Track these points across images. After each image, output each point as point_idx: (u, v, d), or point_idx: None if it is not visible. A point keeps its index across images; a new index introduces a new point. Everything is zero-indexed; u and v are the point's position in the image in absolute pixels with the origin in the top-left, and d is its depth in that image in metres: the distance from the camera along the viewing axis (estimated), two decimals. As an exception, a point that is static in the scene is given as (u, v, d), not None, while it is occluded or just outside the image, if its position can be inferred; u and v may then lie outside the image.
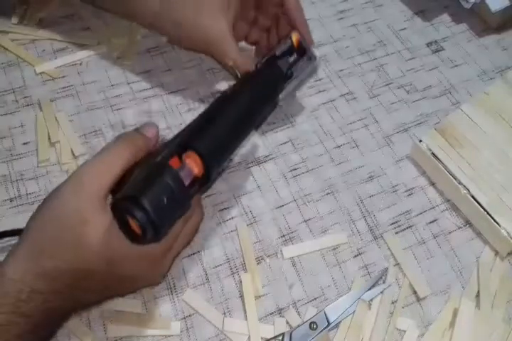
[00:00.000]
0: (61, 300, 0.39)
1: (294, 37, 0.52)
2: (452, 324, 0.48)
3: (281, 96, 0.52)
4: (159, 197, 0.37)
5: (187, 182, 0.39)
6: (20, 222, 0.42)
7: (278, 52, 0.51)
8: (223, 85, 0.62)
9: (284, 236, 0.53)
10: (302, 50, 0.52)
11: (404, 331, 0.48)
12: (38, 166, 0.55)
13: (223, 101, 0.46)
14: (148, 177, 0.38)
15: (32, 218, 0.40)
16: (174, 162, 0.39)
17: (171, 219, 0.39)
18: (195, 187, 0.41)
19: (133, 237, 0.38)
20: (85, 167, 0.40)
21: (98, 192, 0.38)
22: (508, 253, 0.51)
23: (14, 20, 0.65)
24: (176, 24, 0.51)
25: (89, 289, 0.40)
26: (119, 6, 0.56)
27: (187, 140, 0.42)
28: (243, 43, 0.59)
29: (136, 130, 0.43)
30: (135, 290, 0.48)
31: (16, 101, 0.59)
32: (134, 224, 0.37)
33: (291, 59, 0.51)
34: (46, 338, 0.43)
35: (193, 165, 0.40)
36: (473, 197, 0.52)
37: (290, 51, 0.51)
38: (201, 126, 0.43)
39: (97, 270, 0.38)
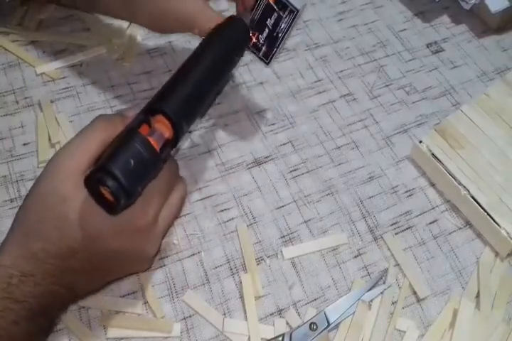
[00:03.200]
0: (52, 284, 0.39)
1: None
2: (452, 324, 0.48)
3: (272, 55, 0.50)
4: (126, 161, 0.37)
5: (158, 146, 0.39)
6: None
7: (256, 16, 0.49)
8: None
9: (284, 236, 0.53)
10: (282, 5, 0.48)
11: (404, 332, 0.48)
12: (38, 167, 0.55)
13: (187, 62, 0.45)
14: (115, 146, 0.38)
15: (20, 206, 0.41)
16: (144, 128, 0.40)
17: (142, 181, 0.39)
18: (167, 150, 0.41)
19: (109, 208, 0.38)
20: (62, 149, 0.41)
21: (75, 170, 0.39)
22: (508, 254, 0.51)
23: (14, 21, 0.65)
24: (150, 13, 0.51)
25: (79, 270, 0.40)
26: (90, 5, 0.57)
27: (153, 104, 0.42)
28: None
29: (118, 112, 0.44)
30: (127, 272, 0.47)
31: (17, 102, 0.59)
32: (106, 193, 0.37)
33: (273, 20, 0.48)
34: (45, 328, 0.43)
35: (162, 127, 0.40)
36: (473, 197, 0.52)
37: (269, 11, 0.48)
38: (166, 89, 0.43)
39: (82, 246, 0.39)
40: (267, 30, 0.49)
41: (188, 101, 0.43)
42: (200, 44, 0.47)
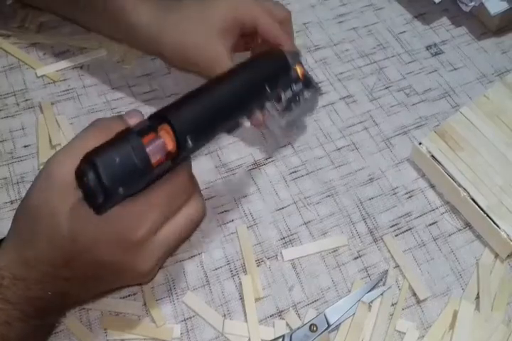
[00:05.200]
0: (43, 290, 0.39)
1: (299, 70, 0.49)
2: (452, 326, 0.48)
3: (283, 123, 0.52)
4: (111, 157, 0.35)
5: (157, 154, 0.37)
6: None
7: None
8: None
9: (284, 238, 0.53)
10: (307, 82, 0.50)
11: (404, 333, 0.48)
12: (38, 169, 0.55)
13: (213, 80, 0.43)
14: (107, 142, 0.37)
15: (16, 211, 0.41)
16: (147, 134, 0.37)
17: (124, 183, 0.36)
18: (166, 163, 0.38)
19: (91, 203, 0.37)
20: (55, 155, 0.39)
21: (65, 181, 0.37)
22: (508, 256, 0.51)
23: (15, 23, 0.65)
24: (174, 46, 0.53)
25: (71, 279, 0.39)
26: (110, 29, 0.58)
27: (161, 110, 0.39)
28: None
29: (119, 116, 0.42)
30: (122, 283, 0.46)
31: (17, 104, 0.60)
32: (88, 186, 0.36)
33: (296, 87, 0.49)
34: (41, 331, 0.43)
35: (165, 137, 0.38)
36: (472, 199, 0.52)
37: (295, 80, 0.50)
38: (181, 100, 0.40)
39: (73, 256, 0.38)
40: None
41: (200, 117, 0.40)
42: (234, 66, 0.45)
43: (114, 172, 0.35)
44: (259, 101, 0.45)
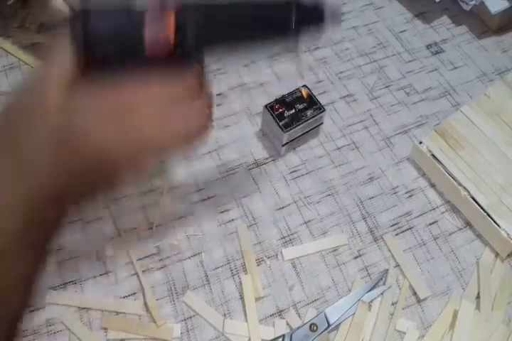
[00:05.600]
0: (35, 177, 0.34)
1: (304, 91, 0.56)
2: (452, 325, 0.48)
3: (291, 128, 0.54)
4: (105, 11, 0.35)
5: (152, 30, 0.36)
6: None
7: (288, 99, 0.55)
8: (223, 87, 0.62)
9: (284, 237, 0.53)
10: (311, 102, 0.55)
11: (405, 332, 0.48)
12: (39, 168, 0.55)
13: None
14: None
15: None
16: (153, 12, 0.36)
17: (111, 38, 0.35)
18: (164, 46, 0.37)
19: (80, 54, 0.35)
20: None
21: (61, 67, 0.34)
22: (508, 255, 0.51)
23: (16, 23, 0.65)
24: None
25: (66, 163, 0.34)
26: None
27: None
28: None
29: None
30: (121, 168, 0.37)
31: (17, 104, 0.60)
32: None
33: (300, 106, 0.55)
34: (39, 244, 0.36)
35: (170, 19, 0.37)
36: (473, 198, 0.52)
37: (299, 100, 0.56)
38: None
39: (62, 128, 0.34)
40: (293, 110, 0.55)
41: (207, 14, 0.38)
42: None
43: (103, 20, 0.35)
44: (276, 32, 0.41)
